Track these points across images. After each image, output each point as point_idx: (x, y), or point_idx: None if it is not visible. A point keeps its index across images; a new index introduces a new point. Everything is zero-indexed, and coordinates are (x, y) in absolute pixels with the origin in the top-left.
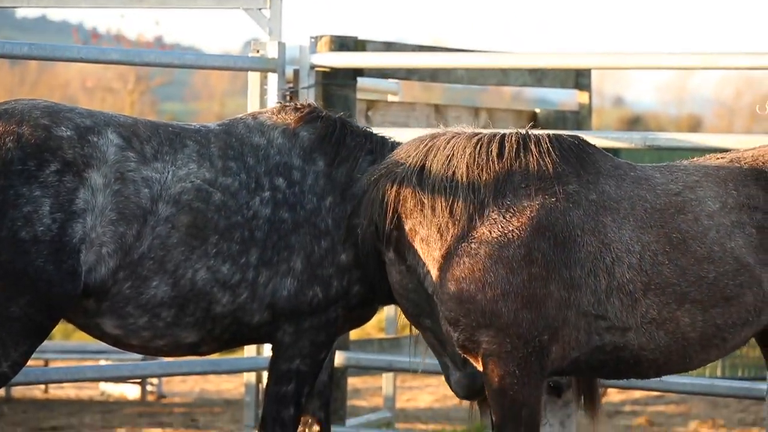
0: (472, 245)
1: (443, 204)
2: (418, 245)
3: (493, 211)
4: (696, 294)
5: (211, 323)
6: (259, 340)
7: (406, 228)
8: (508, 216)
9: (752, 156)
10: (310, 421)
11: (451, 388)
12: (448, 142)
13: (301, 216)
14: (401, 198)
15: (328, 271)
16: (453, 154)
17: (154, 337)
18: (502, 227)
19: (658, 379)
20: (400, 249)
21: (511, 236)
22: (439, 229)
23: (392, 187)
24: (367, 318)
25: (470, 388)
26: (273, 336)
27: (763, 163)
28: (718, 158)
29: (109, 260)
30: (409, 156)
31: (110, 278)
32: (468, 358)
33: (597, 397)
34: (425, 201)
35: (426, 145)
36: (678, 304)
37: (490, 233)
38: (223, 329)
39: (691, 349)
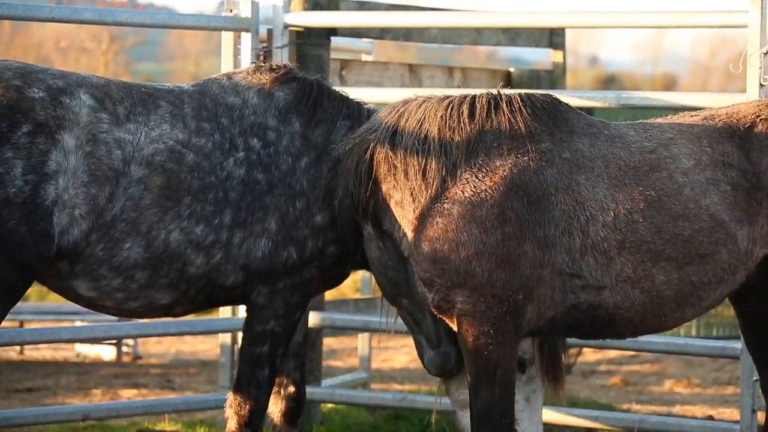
0: (445, 205)
1: (416, 167)
2: (393, 209)
3: (465, 172)
4: (671, 252)
5: (185, 284)
6: (233, 302)
7: (381, 193)
8: (480, 176)
9: (726, 114)
10: (285, 381)
11: (423, 365)
12: (419, 107)
13: (275, 177)
14: (375, 164)
15: (303, 232)
16: (424, 117)
17: (128, 299)
18: (474, 187)
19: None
20: (377, 220)
21: (484, 196)
22: (412, 192)
23: (366, 153)
24: (341, 279)
25: (443, 366)
26: (247, 297)
27: (737, 120)
28: (692, 116)
29: (81, 222)
30: (382, 123)
31: (83, 240)
32: (444, 318)
33: (561, 372)
34: (398, 165)
35: (398, 111)
36: (653, 262)
37: (463, 193)
38: (198, 291)
39: (667, 308)
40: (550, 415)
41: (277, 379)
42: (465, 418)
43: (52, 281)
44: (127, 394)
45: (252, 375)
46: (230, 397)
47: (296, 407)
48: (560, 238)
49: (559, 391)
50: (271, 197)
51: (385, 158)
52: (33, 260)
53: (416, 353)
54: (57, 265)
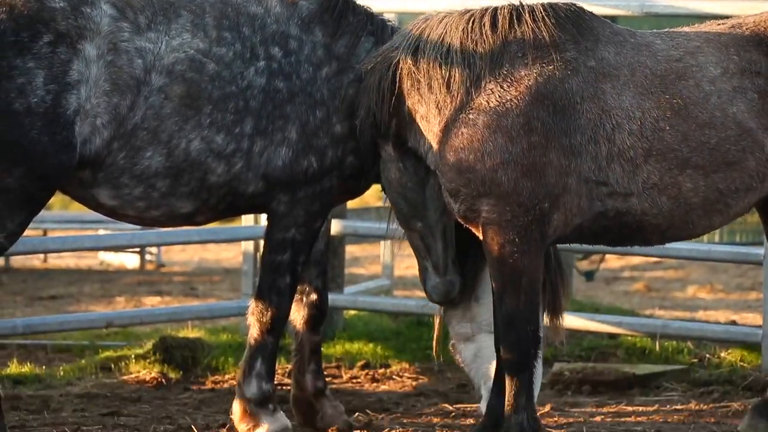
0: (471, 116)
1: (440, 80)
2: (418, 123)
3: (490, 82)
4: (698, 159)
5: (206, 193)
6: (254, 210)
7: (406, 109)
8: (505, 86)
9: (754, 22)
10: (307, 289)
11: (425, 290)
12: (440, 22)
13: (296, 86)
14: (398, 80)
15: (323, 141)
16: (446, 31)
17: (149, 207)
18: (500, 97)
19: None
20: (400, 139)
21: (509, 105)
22: (438, 104)
23: (388, 70)
24: (361, 190)
25: (446, 294)
26: (268, 206)
27: (765, 28)
28: (719, 24)
29: (103, 131)
30: (404, 39)
31: (105, 149)
32: (470, 228)
33: (560, 307)
34: (422, 79)
35: (419, 27)
36: (680, 170)
37: (488, 103)
38: (219, 199)
39: (694, 215)
40: (573, 321)
41: (299, 287)
42: (466, 350)
43: (73, 190)
44: (150, 302)
45: (273, 282)
46: (252, 304)
47: (318, 314)
48: (586, 147)
49: (558, 325)
50: (291, 106)
51: (408, 73)
52: (55, 170)
53: (419, 278)
54: (79, 174)
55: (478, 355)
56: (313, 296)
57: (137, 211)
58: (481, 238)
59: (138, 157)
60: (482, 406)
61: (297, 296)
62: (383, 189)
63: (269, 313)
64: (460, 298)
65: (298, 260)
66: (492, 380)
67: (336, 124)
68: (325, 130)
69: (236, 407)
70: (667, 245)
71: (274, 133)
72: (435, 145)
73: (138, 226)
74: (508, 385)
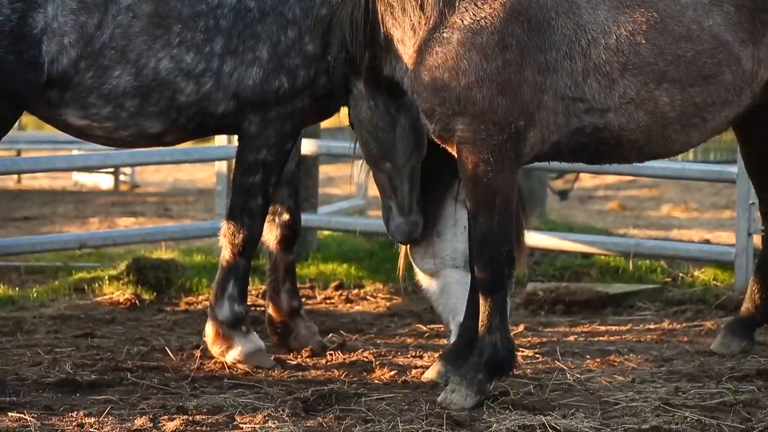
0: (445, 34)
1: (413, 2)
2: (394, 48)
3: (463, 0)
4: (674, 73)
5: (175, 113)
6: (225, 131)
7: (380, 37)
8: (479, 3)
9: None
10: (279, 209)
11: (388, 230)
12: None
13: (267, 5)
14: (371, 7)
15: (295, 61)
16: None
17: (117, 127)
18: (474, 14)
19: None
20: (372, 75)
21: (483, 23)
22: (413, 26)
23: (360, 1)
24: (333, 111)
25: (410, 235)
26: (239, 126)
27: None
28: None
29: (70, 50)
30: None
31: (72, 68)
32: (446, 147)
33: (523, 239)
34: (395, 3)
35: None
36: (656, 84)
37: (462, 21)
38: (188, 119)
39: (671, 129)
40: (547, 240)
41: (271, 208)
42: (432, 286)
43: (41, 110)
44: (124, 223)
45: (245, 204)
46: (224, 226)
47: (291, 234)
48: (562, 63)
49: (520, 257)
50: (262, 26)
51: (380, 0)
52: (22, 89)
53: (382, 217)
54: (47, 94)
55: (444, 290)
56: (286, 216)
57: (106, 132)
58: (456, 157)
59: (106, 77)
60: (451, 340)
61: (269, 217)
62: (352, 127)
63: (241, 235)
64: (422, 234)
65: (269, 181)
66: (460, 315)
67: (308, 44)
68: (297, 49)
69: (209, 329)
70: (641, 163)
71: (245, 52)
72: (410, 67)
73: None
74: (482, 305)
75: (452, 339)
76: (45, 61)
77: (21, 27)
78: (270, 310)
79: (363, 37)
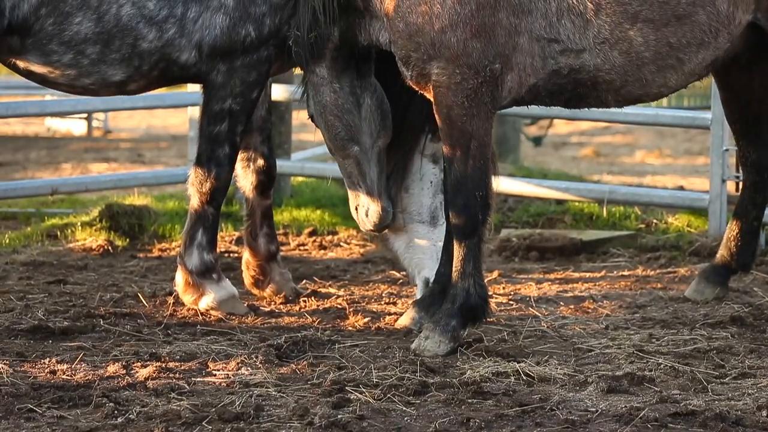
0: None
1: None
2: (372, 6)
3: None
4: (647, 13)
5: (138, 60)
6: (189, 80)
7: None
8: None
9: None
10: (253, 156)
11: (357, 218)
12: None
13: None
14: None
15: (261, 9)
16: None
17: (79, 75)
18: None
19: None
20: (347, 41)
21: None
22: None
23: None
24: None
25: (381, 222)
26: (205, 76)
27: None
28: None
29: None
30: None
31: (32, 15)
32: (423, 93)
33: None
34: None
35: None
36: (630, 24)
37: None
38: (151, 66)
39: (647, 70)
40: (520, 187)
41: (245, 154)
42: (398, 241)
43: (2, 57)
44: (97, 169)
45: (212, 153)
46: (191, 174)
47: (266, 180)
48: (536, 3)
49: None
50: None
51: None
52: None
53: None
54: (8, 41)
55: (411, 245)
56: (260, 162)
57: (68, 79)
58: (432, 102)
59: (67, 23)
60: (418, 296)
61: (244, 163)
62: (311, 117)
63: (208, 184)
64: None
65: (236, 130)
66: (426, 269)
67: None
68: None
69: (179, 278)
70: (615, 110)
71: None
72: (387, 20)
73: None
74: (456, 250)
75: (419, 294)
76: (6, 7)
77: None
78: (247, 255)
79: (337, 5)
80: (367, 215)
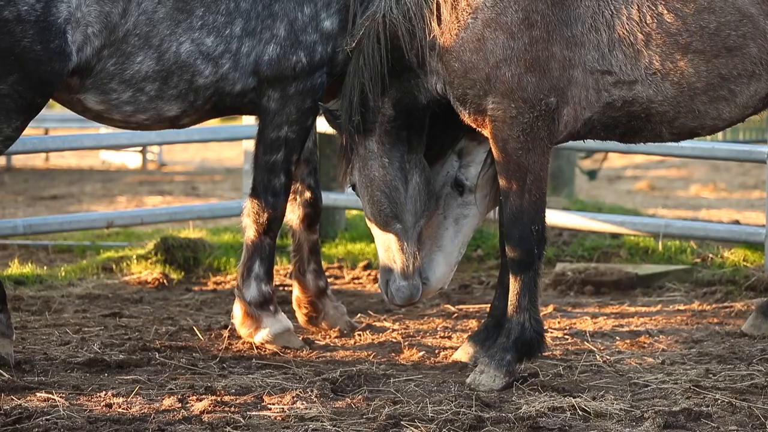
0: (469, 20)
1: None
2: (426, 58)
3: None
4: (698, 44)
5: (193, 95)
6: (242, 110)
7: (407, 58)
8: None
9: None
10: (300, 188)
11: (386, 291)
12: None
13: None
14: (389, 36)
15: (312, 38)
16: None
17: (136, 111)
18: None
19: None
20: (394, 125)
21: (506, 2)
22: (438, 25)
23: (378, 34)
24: None
25: (410, 299)
26: (259, 104)
27: None
28: None
29: (94, 40)
30: (378, 3)
31: (95, 57)
32: (481, 131)
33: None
34: (413, 14)
35: None
36: (681, 54)
37: (485, 3)
38: (205, 100)
39: (699, 101)
40: (575, 221)
41: (292, 187)
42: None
43: (60, 95)
44: (152, 202)
45: (269, 183)
46: (247, 206)
47: (313, 213)
48: (588, 36)
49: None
50: (280, 4)
51: (399, 23)
52: (49, 77)
53: (379, 281)
54: (68, 81)
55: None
56: (307, 194)
57: (123, 115)
58: (489, 137)
59: (128, 63)
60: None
61: (291, 196)
62: (353, 186)
63: (265, 214)
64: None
65: (291, 159)
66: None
67: (325, 20)
68: (313, 26)
69: (237, 310)
70: (671, 143)
71: (263, 31)
72: (442, 64)
73: None
74: (512, 284)
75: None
76: (73, 50)
77: (46, 17)
78: (297, 291)
79: (385, 68)
80: (398, 291)
